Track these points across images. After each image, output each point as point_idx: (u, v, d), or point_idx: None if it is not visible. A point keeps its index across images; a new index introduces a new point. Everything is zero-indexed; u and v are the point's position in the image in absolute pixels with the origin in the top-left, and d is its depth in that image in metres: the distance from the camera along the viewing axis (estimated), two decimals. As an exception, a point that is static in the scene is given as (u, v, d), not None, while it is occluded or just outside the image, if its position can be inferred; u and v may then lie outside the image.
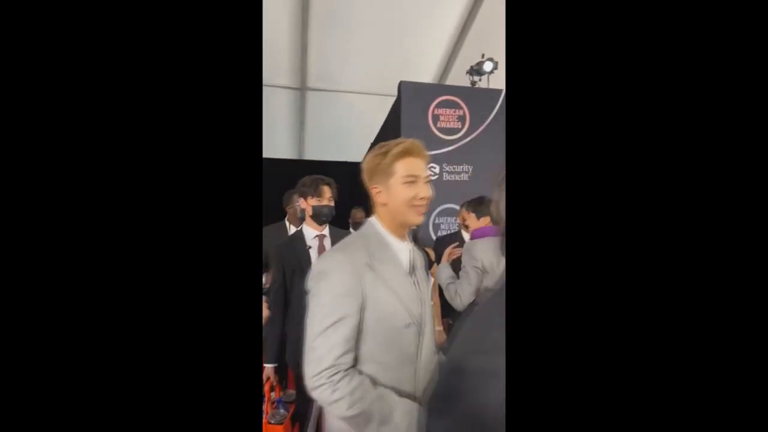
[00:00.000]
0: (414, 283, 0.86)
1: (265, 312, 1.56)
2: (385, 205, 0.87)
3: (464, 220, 2.00)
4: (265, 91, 4.08)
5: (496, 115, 3.16)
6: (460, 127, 3.17)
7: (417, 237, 2.15)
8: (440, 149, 3.09)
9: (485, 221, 1.91)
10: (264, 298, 1.63)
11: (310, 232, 1.70)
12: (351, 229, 3.26)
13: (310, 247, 1.67)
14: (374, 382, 0.77)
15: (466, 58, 3.65)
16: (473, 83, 3.43)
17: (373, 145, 4.06)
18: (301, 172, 1.82)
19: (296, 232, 1.75)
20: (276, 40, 3.72)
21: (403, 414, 0.75)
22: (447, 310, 1.97)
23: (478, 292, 1.65)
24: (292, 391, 1.68)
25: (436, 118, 3.08)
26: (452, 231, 2.80)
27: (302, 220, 1.79)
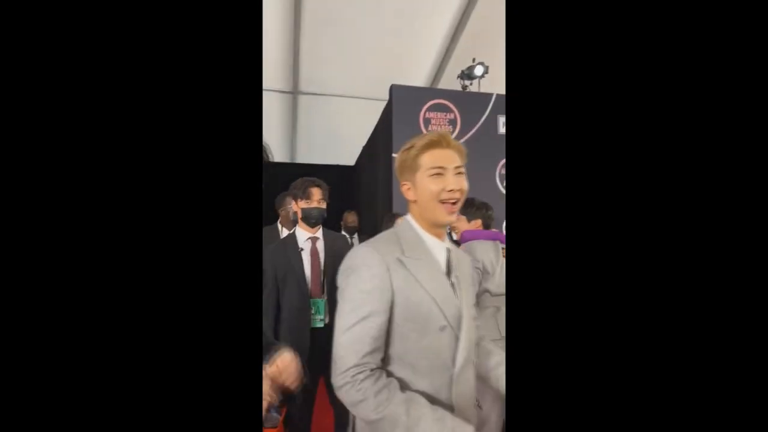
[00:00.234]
0: (452, 285, 0.80)
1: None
2: (415, 202, 0.82)
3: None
4: (257, 94, 4.06)
5: (486, 118, 3.19)
6: (451, 130, 3.19)
7: None
8: (432, 152, 3.10)
9: (476, 224, 1.92)
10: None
11: (303, 234, 1.69)
12: (343, 232, 3.25)
13: (302, 249, 1.67)
14: (405, 387, 0.72)
15: (457, 62, 3.68)
16: (464, 87, 3.46)
17: (365, 148, 4.07)
18: (293, 176, 1.82)
19: (289, 234, 1.74)
20: (268, 44, 3.71)
21: (434, 421, 0.68)
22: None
23: (476, 293, 1.66)
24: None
25: (427, 121, 3.11)
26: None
27: (295, 222, 1.78)
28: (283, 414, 1.59)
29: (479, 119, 3.22)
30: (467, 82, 3.44)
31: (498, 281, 1.66)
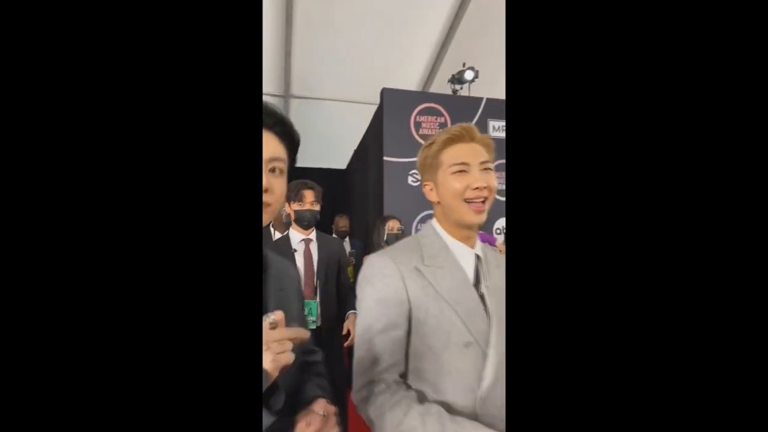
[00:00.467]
0: (480, 296, 0.71)
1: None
2: (438, 203, 0.76)
3: None
4: (248, 97, 4.05)
5: (477, 122, 3.23)
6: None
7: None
8: (423, 156, 3.13)
9: None
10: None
11: (296, 236, 1.70)
12: (334, 236, 3.26)
13: (295, 251, 1.67)
14: (422, 400, 0.66)
15: (448, 66, 3.73)
16: (454, 91, 3.50)
17: (356, 152, 4.08)
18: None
19: (282, 236, 1.75)
20: (259, 47, 3.71)
21: None
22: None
23: None
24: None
25: (418, 125, 3.13)
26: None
27: (288, 225, 1.79)
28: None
29: (470, 123, 3.26)
30: (457, 87, 3.48)
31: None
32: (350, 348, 1.42)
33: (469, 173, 0.71)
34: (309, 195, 1.66)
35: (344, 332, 1.71)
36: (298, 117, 4.33)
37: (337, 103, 4.41)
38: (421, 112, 3.14)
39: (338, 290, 1.76)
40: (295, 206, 1.66)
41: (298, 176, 1.91)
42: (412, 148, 3.00)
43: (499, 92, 3.33)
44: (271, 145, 0.64)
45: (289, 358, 0.48)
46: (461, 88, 3.49)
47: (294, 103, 4.38)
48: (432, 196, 0.77)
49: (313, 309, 1.64)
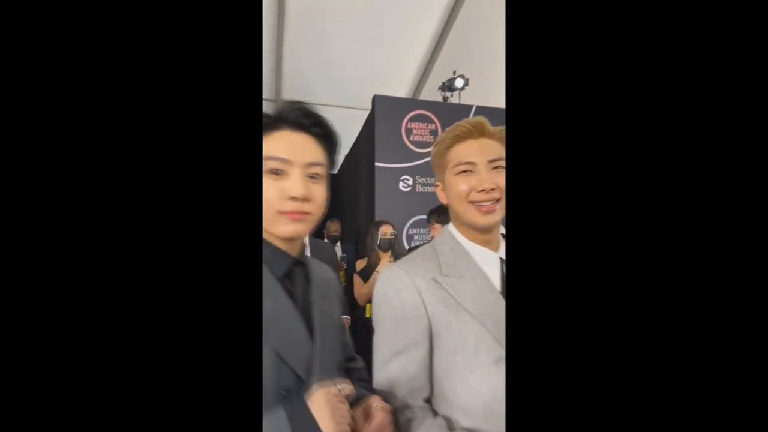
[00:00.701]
0: None
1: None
2: (449, 205, 0.70)
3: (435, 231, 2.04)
4: (239, 101, 4.04)
5: (466, 129, 3.27)
6: (432, 140, 3.25)
7: (395, 247, 2.17)
8: (413, 162, 3.15)
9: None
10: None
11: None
12: (325, 241, 3.25)
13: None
14: (452, 428, 0.60)
15: (438, 74, 3.77)
16: (445, 99, 3.54)
17: (347, 157, 4.09)
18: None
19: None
20: (250, 51, 3.70)
21: None
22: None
23: None
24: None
25: (409, 131, 3.16)
26: (426, 241, 2.85)
27: None
28: None
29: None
30: (448, 94, 3.52)
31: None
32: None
33: (475, 173, 0.65)
34: None
35: None
36: (289, 121, 4.32)
37: (329, 108, 4.42)
38: (412, 119, 3.17)
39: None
40: None
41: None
42: (404, 154, 3.02)
43: (489, 100, 3.39)
44: (310, 149, 0.60)
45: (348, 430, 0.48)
46: (451, 96, 3.53)
47: (285, 108, 4.38)
48: (442, 198, 0.72)
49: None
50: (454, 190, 0.67)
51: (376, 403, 0.56)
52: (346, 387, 0.51)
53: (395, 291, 0.64)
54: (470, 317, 0.61)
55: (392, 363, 0.61)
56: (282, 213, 0.57)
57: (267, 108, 0.62)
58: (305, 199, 0.57)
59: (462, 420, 0.60)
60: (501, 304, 0.62)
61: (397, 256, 2.14)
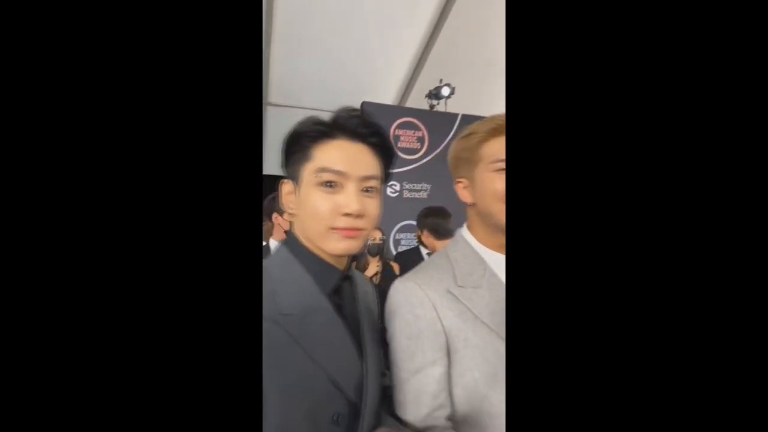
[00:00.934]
0: None
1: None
2: (473, 205, 0.65)
3: (424, 237, 2.05)
4: (225, 104, 4.00)
5: (453, 137, 3.32)
6: (419, 147, 3.29)
7: (383, 252, 2.18)
8: (401, 168, 3.18)
9: (425, 235, 1.97)
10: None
11: (276, 245, 1.69)
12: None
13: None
14: None
15: (424, 82, 3.82)
16: (432, 106, 3.59)
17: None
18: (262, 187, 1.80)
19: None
20: (237, 55, 3.68)
21: None
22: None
23: None
24: None
25: (397, 138, 3.19)
26: (412, 246, 2.87)
27: (268, 233, 1.77)
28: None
29: (446, 138, 3.35)
30: (434, 102, 3.57)
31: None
32: None
33: None
34: None
35: None
36: (275, 125, 4.30)
37: (316, 112, 4.42)
38: (400, 126, 3.20)
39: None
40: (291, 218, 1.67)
41: (274, 184, 1.89)
42: (390, 160, 3.05)
43: (474, 109, 3.45)
44: (366, 161, 0.56)
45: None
46: (438, 104, 3.58)
47: (271, 111, 4.36)
48: (465, 196, 0.66)
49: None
50: (490, 188, 0.61)
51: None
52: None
53: (410, 307, 0.60)
54: (488, 331, 0.58)
55: (412, 382, 0.58)
56: (334, 229, 0.54)
57: (322, 115, 0.59)
58: (359, 215, 0.54)
59: None
60: None
61: (384, 260, 2.15)
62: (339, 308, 0.58)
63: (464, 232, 0.67)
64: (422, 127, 3.30)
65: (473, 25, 3.56)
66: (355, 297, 0.62)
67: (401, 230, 3.17)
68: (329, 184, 0.55)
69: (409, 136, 3.25)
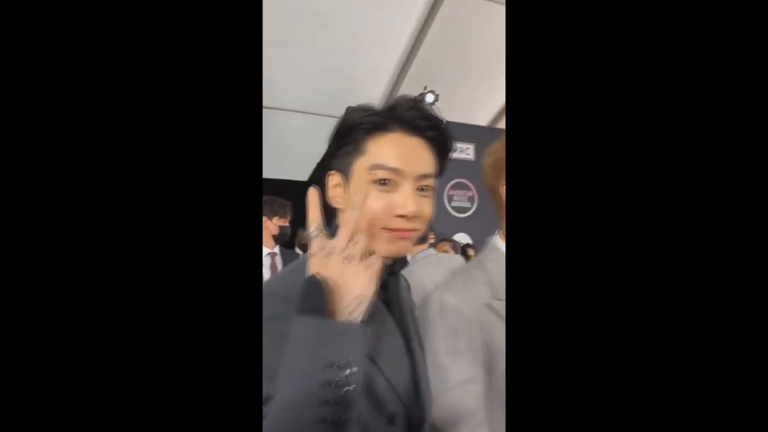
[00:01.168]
0: None
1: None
2: None
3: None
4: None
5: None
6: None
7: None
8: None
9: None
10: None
11: (264, 250, 1.70)
12: (297, 250, 3.20)
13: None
14: None
15: (409, 89, 3.87)
16: (416, 112, 3.63)
17: (319, 164, 4.08)
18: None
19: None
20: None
21: None
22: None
23: None
24: None
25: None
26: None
27: (282, 237, 1.80)
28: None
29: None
30: (419, 108, 3.61)
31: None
32: None
33: None
34: (289, 211, 1.73)
35: None
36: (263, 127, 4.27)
37: (300, 114, 4.40)
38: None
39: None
40: (280, 222, 1.70)
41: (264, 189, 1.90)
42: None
43: (458, 116, 3.52)
44: (424, 158, 0.53)
45: (377, 263, 0.43)
46: (422, 110, 3.62)
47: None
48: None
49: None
50: None
51: None
52: (314, 226, 0.46)
53: (446, 320, 0.58)
54: None
55: (448, 398, 0.56)
56: (387, 230, 0.51)
57: (376, 104, 0.55)
58: (414, 217, 0.51)
59: None
60: None
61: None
62: (387, 304, 0.56)
63: (498, 241, 0.64)
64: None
65: (458, 33, 3.64)
66: (399, 294, 0.59)
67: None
68: (383, 182, 0.51)
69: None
